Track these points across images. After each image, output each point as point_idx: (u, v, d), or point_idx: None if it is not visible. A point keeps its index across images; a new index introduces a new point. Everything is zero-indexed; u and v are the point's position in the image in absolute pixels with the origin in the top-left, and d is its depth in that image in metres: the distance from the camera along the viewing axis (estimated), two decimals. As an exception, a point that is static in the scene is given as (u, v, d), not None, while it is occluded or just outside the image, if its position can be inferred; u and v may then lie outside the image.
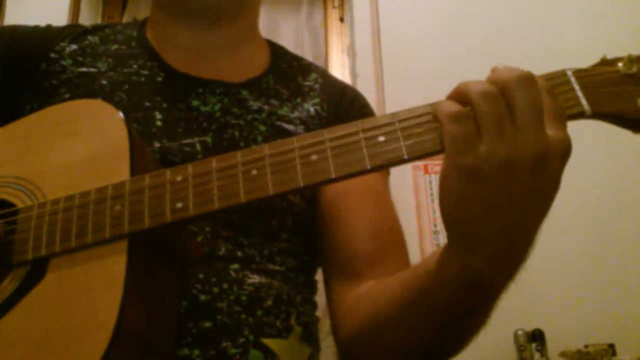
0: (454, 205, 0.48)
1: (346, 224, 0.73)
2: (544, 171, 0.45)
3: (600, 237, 1.88)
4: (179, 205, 0.51)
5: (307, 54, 2.36)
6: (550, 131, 0.45)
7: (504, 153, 0.44)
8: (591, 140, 1.53)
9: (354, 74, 2.21)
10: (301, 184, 0.49)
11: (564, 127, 0.46)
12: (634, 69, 0.49)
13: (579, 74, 0.50)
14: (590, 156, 1.89)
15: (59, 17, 2.16)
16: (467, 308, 0.53)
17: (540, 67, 0.53)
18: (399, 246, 0.75)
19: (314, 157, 0.49)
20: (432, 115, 0.48)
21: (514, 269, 0.50)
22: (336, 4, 2.48)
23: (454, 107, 0.46)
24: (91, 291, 0.50)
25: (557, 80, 0.49)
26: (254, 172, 0.50)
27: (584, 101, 0.48)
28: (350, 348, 0.67)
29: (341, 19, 2.44)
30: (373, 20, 2.26)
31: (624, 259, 1.86)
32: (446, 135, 0.45)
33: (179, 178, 0.52)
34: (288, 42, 2.33)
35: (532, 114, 0.44)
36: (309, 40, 2.44)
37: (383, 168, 0.50)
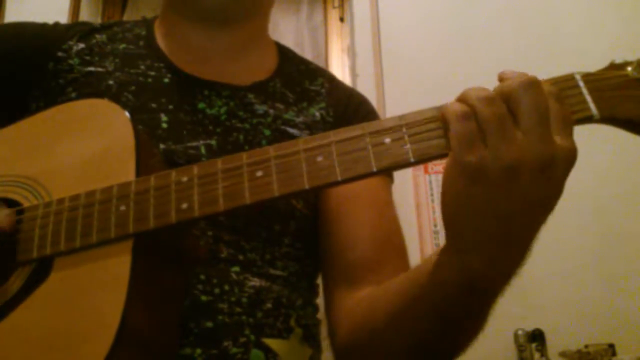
0: (454, 205, 0.48)
1: (348, 230, 0.73)
2: (547, 177, 0.44)
3: (601, 237, 1.88)
4: (184, 205, 0.50)
5: (307, 54, 2.36)
6: (557, 137, 0.44)
7: (509, 157, 0.43)
8: (591, 139, 1.52)
9: (354, 74, 2.21)
10: (306, 186, 0.48)
11: (571, 134, 0.45)
12: None
13: (588, 77, 0.48)
14: (591, 155, 1.89)
15: (59, 17, 2.14)
16: (464, 310, 0.52)
17: (541, 69, 0.52)
18: (400, 254, 0.74)
19: (319, 158, 0.49)
20: (439, 117, 0.47)
21: (510, 273, 0.50)
22: (336, 4, 2.47)
23: (460, 107, 0.46)
24: (95, 291, 0.50)
25: (566, 84, 0.48)
26: (259, 173, 0.50)
27: (592, 105, 0.47)
28: (347, 351, 0.67)
29: (341, 19, 2.44)
30: (373, 20, 2.25)
31: (624, 259, 1.86)
32: (452, 134, 0.45)
33: (185, 179, 0.52)
34: (288, 42, 2.32)
35: (537, 118, 0.44)
36: (309, 40, 2.44)
37: (389, 170, 0.49)
